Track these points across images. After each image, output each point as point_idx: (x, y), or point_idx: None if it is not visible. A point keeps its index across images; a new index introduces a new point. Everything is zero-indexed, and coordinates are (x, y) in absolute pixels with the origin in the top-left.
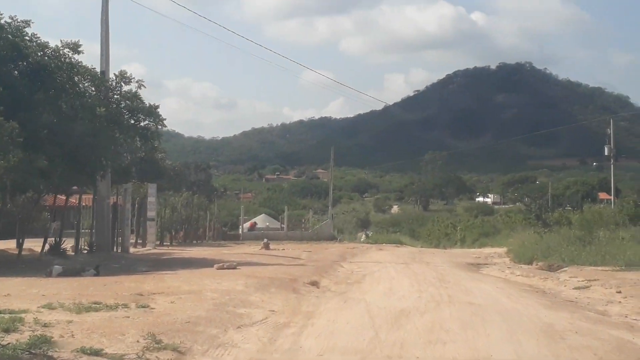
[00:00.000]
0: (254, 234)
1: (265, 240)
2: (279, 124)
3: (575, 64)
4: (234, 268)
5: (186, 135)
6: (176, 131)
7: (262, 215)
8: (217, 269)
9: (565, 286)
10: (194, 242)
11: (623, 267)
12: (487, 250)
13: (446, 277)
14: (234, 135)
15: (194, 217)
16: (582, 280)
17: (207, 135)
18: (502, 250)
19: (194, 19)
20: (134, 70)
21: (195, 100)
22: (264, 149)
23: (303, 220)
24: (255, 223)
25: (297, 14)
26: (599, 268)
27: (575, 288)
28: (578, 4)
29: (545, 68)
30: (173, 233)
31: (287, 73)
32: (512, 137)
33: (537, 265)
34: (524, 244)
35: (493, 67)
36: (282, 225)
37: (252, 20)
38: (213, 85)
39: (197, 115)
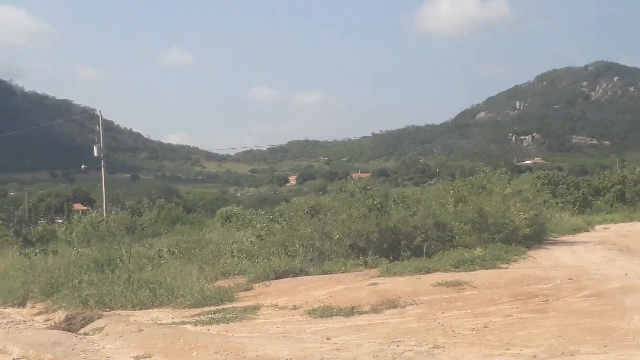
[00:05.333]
0: None
1: None
2: None
3: (43, 77)
4: None
5: None
6: None
7: None
8: None
9: None
10: None
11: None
12: None
13: None
14: None
15: None
16: None
17: None
18: None
19: None
20: None
21: None
22: None
23: None
24: None
25: None
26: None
27: None
28: (46, 18)
29: (11, 79)
30: None
31: None
32: None
33: (33, 307)
34: (9, 274)
35: None
36: None
37: None
38: None
39: None
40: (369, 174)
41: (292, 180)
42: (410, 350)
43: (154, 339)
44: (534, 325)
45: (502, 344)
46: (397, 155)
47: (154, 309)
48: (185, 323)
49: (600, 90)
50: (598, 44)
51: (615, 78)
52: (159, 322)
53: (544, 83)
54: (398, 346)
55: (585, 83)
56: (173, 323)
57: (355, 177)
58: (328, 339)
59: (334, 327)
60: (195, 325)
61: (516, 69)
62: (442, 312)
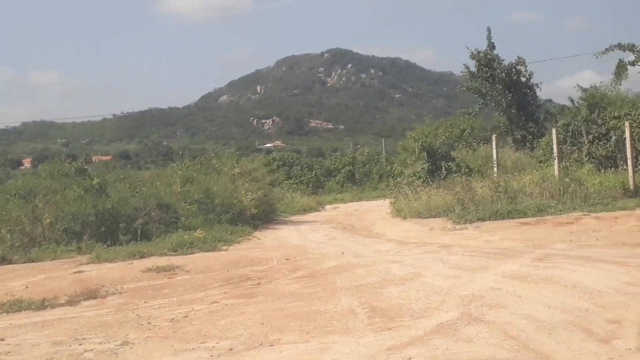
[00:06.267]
0: None
1: None
2: None
3: None
4: None
5: None
6: None
7: None
8: None
9: None
10: None
11: None
12: None
13: None
14: None
15: None
16: None
17: None
18: None
19: None
20: None
21: None
22: None
23: None
24: None
25: None
26: None
27: None
28: None
29: None
30: None
31: None
32: None
33: None
34: None
35: None
36: None
37: None
38: None
39: None
40: (110, 157)
41: (27, 163)
42: (92, 350)
43: None
44: (238, 313)
45: (199, 336)
46: (139, 137)
47: None
48: None
49: (335, 77)
50: (333, 32)
51: (349, 65)
52: None
53: (284, 68)
54: (80, 345)
55: (321, 69)
56: None
57: (95, 160)
58: (2, 339)
59: (18, 324)
60: None
61: (257, 53)
62: (145, 302)
